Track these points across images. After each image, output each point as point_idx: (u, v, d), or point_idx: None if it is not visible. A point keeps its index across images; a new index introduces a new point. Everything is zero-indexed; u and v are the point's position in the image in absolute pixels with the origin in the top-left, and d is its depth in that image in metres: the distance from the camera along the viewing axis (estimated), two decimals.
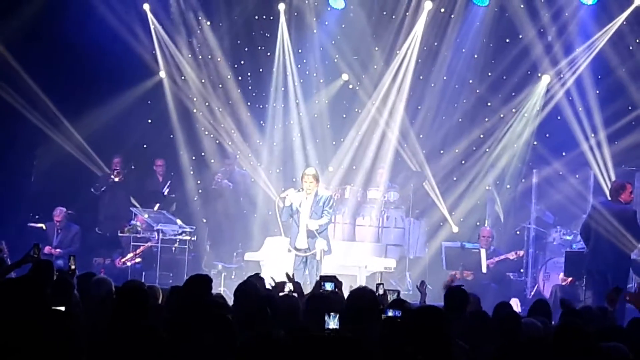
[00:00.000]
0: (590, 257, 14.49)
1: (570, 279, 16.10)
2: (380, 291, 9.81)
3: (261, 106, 20.39)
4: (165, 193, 19.16)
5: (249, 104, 20.29)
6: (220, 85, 20.18)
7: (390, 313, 7.12)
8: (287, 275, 10.42)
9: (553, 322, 9.14)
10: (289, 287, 10.02)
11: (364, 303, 7.91)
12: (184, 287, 8.35)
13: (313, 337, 5.75)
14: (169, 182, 19.38)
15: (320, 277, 9.84)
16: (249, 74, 20.37)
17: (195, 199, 19.90)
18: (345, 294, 9.60)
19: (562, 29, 18.72)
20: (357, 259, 16.82)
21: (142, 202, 18.64)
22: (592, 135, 18.49)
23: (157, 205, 18.58)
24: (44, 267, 9.37)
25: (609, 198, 14.82)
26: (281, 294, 9.68)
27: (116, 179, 18.93)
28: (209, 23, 19.95)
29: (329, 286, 9.47)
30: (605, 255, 14.15)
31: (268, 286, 10.08)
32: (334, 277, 9.68)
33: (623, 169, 18.07)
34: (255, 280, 9.88)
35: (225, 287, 16.11)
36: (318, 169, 18.24)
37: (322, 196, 14.42)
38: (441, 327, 5.96)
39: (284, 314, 8.03)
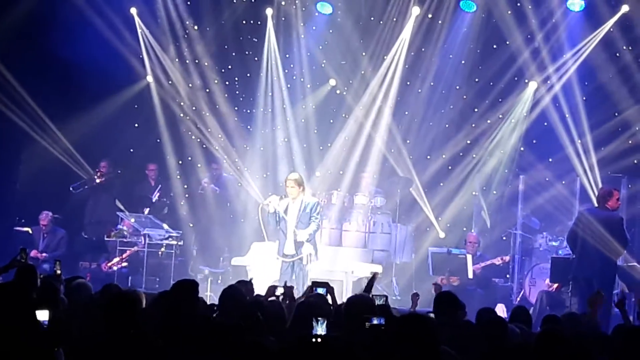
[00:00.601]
0: (576, 264, 14.51)
1: (556, 285, 16.11)
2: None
3: (248, 111, 20.40)
4: (156, 197, 19.11)
5: (236, 108, 20.28)
6: (208, 90, 20.16)
7: (375, 321, 7.11)
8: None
9: (539, 328, 9.15)
10: (280, 291, 10.01)
11: (362, 311, 7.90)
12: (170, 292, 8.31)
13: (303, 345, 5.74)
14: (159, 186, 19.35)
15: (312, 282, 9.84)
16: (236, 78, 20.36)
17: (182, 203, 19.87)
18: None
19: (549, 35, 18.74)
20: (344, 265, 16.81)
21: (131, 206, 18.60)
22: (579, 141, 18.52)
23: (147, 209, 18.53)
24: (28, 272, 9.32)
25: (596, 205, 14.85)
26: (271, 298, 9.67)
27: (98, 181, 18.92)
28: (196, 27, 19.94)
29: (320, 291, 9.48)
30: (591, 262, 14.17)
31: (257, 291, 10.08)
32: (326, 283, 9.69)
33: (609, 175, 18.10)
34: (243, 285, 9.88)
35: (211, 292, 16.09)
36: (305, 174, 18.30)
37: (309, 203, 14.39)
38: (427, 335, 5.95)
39: (271, 319, 8.02)
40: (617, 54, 18.54)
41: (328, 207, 18.08)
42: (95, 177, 18.95)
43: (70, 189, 18.86)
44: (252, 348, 5.94)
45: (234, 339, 6.35)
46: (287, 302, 9.46)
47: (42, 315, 6.75)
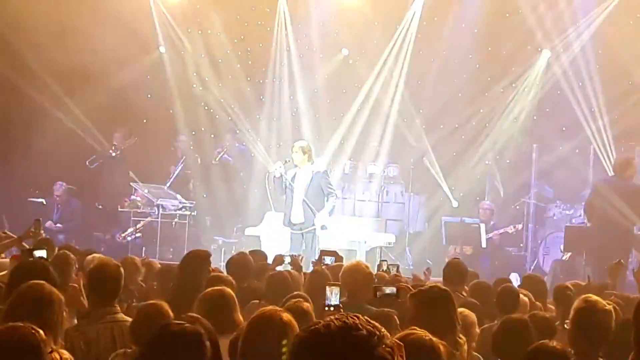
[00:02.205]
0: (594, 233, 14.47)
1: (570, 254, 16.11)
2: (384, 267, 9.87)
3: (261, 81, 20.37)
4: (179, 169, 19.01)
5: (248, 78, 20.27)
6: (220, 60, 20.13)
7: (387, 290, 7.13)
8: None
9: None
10: (287, 260, 10.03)
11: (358, 278, 7.92)
12: (184, 263, 8.29)
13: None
14: (183, 157, 19.31)
15: (321, 251, 9.87)
16: (248, 48, 20.33)
17: (196, 173, 19.85)
18: None
19: (563, 3, 18.66)
20: (357, 234, 16.83)
21: (153, 178, 18.63)
22: (592, 109, 18.46)
23: (169, 182, 18.50)
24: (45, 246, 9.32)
25: (613, 174, 14.81)
26: (278, 267, 9.69)
27: (113, 154, 18.95)
28: None
29: (328, 260, 9.51)
30: (609, 231, 14.15)
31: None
32: (334, 252, 9.72)
33: (623, 143, 18.07)
34: (255, 254, 9.93)
35: (224, 262, 16.12)
36: (317, 144, 18.26)
37: (317, 172, 14.21)
38: (448, 305, 5.98)
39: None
40: (631, 22, 18.44)
41: (341, 177, 18.10)
42: (111, 150, 18.97)
43: (87, 163, 18.86)
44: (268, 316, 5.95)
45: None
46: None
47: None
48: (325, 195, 14.10)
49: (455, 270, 9.07)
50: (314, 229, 14.06)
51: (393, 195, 18.48)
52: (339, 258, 9.61)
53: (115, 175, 18.98)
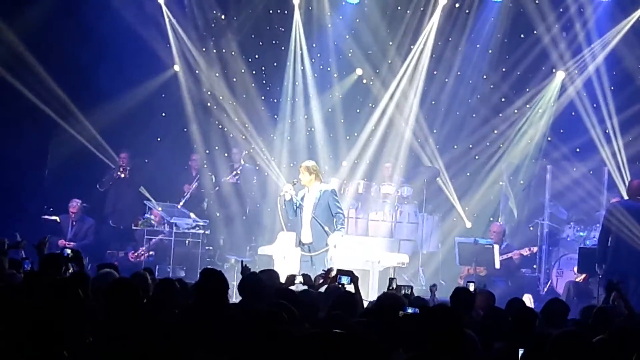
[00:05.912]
0: (611, 258, 14.35)
1: (583, 275, 16.04)
2: (393, 285, 9.81)
3: (275, 100, 20.41)
4: (194, 186, 19.02)
5: (263, 98, 20.31)
6: (235, 79, 20.19)
7: (409, 310, 7.09)
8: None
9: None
10: (299, 279, 9.99)
11: (392, 310, 7.87)
12: (204, 282, 8.20)
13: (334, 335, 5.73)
14: (198, 176, 19.32)
15: (337, 270, 9.79)
16: (263, 68, 20.38)
17: (210, 192, 19.87)
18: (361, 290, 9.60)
19: (577, 24, 18.66)
20: (371, 254, 16.74)
21: (166, 196, 18.64)
22: (607, 131, 18.43)
23: (182, 202, 18.51)
24: (52, 261, 9.35)
25: (628, 197, 14.75)
26: (292, 287, 9.66)
27: (122, 175, 18.97)
28: (223, 17, 19.97)
29: (344, 280, 9.45)
30: (628, 255, 14.05)
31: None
32: (351, 271, 9.65)
33: (637, 165, 18.04)
34: (267, 274, 9.88)
35: (238, 281, 16.06)
36: (331, 164, 18.27)
37: (325, 191, 14.02)
38: (456, 326, 5.97)
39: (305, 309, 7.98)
40: None
41: (355, 197, 18.08)
42: (119, 172, 18.99)
43: (97, 186, 18.90)
44: (281, 336, 5.94)
45: (264, 327, 6.33)
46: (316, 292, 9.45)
47: None
48: (333, 215, 13.96)
49: (462, 296, 8.99)
50: (326, 251, 13.88)
51: (406, 215, 18.44)
52: (354, 278, 9.54)
53: (123, 193, 19.01)
